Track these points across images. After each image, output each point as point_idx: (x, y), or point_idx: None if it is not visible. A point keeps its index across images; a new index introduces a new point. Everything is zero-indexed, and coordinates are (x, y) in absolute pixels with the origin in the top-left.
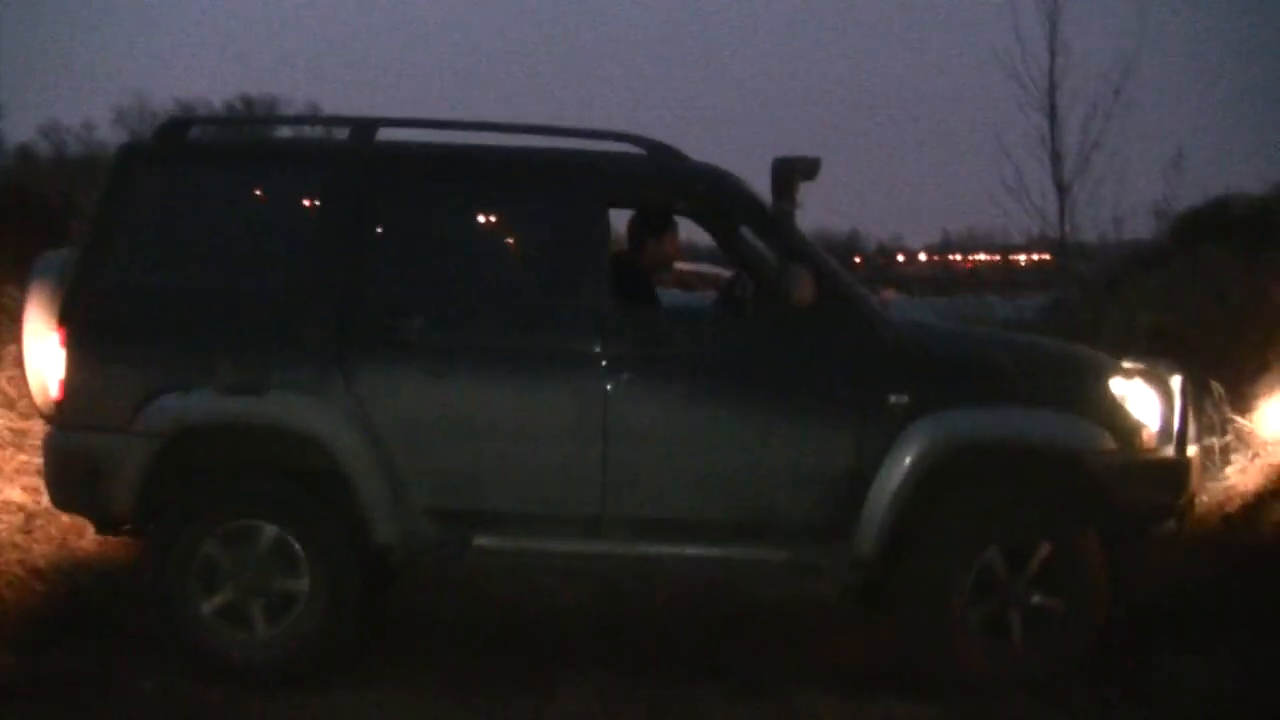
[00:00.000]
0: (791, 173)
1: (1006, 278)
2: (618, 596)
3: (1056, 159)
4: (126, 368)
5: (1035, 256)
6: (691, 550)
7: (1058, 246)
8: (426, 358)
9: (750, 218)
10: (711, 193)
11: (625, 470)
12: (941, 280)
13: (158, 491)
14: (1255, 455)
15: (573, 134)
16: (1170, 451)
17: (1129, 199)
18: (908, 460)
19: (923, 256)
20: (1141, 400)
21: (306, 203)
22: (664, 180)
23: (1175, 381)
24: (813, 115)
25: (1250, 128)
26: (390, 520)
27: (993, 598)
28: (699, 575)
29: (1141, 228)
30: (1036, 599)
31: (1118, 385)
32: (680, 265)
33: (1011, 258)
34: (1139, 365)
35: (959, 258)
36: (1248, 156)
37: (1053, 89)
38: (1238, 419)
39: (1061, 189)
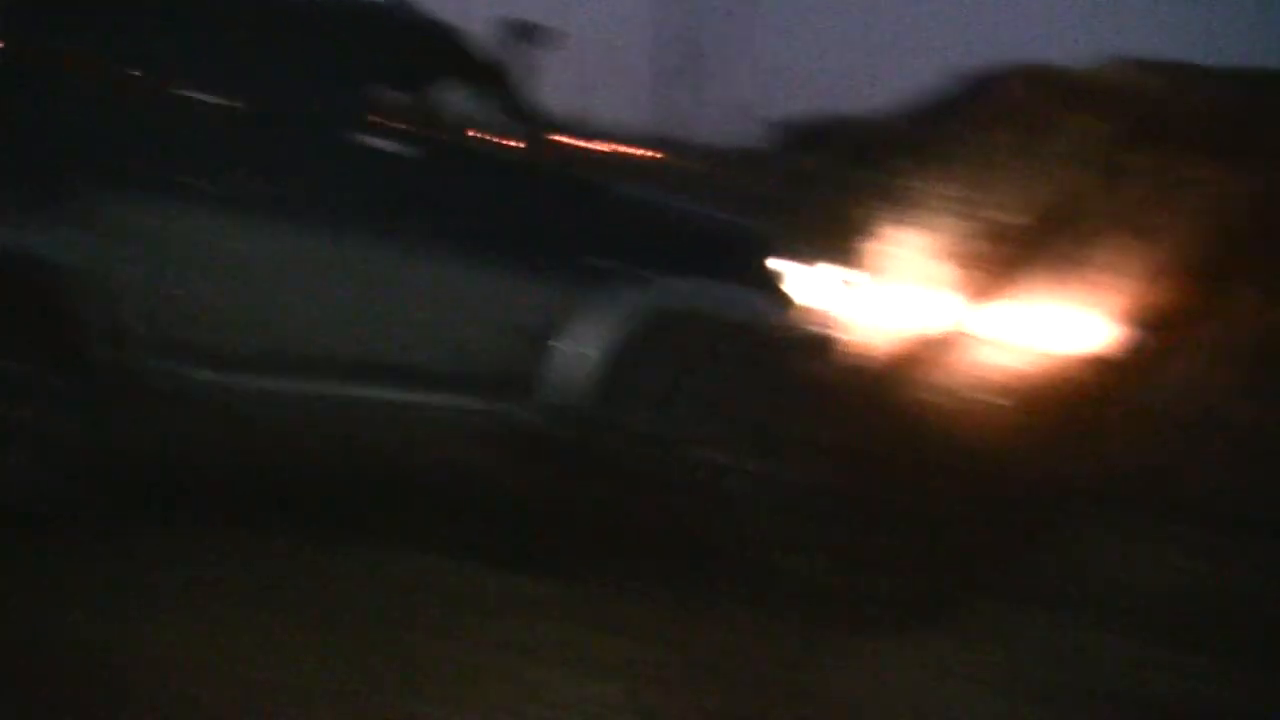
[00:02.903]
0: (523, 35)
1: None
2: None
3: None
4: None
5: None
6: (395, 395)
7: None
8: (150, 189)
9: (481, 73)
10: (444, 45)
11: (335, 311)
12: None
13: None
14: None
15: None
16: (838, 331)
17: (743, 103)
18: (611, 323)
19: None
20: (823, 282)
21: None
22: (396, 29)
23: (846, 272)
24: None
25: (840, 49)
26: (110, 352)
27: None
28: (400, 421)
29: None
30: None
31: (803, 266)
32: None
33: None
34: (817, 249)
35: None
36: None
37: None
38: None
39: (679, 85)
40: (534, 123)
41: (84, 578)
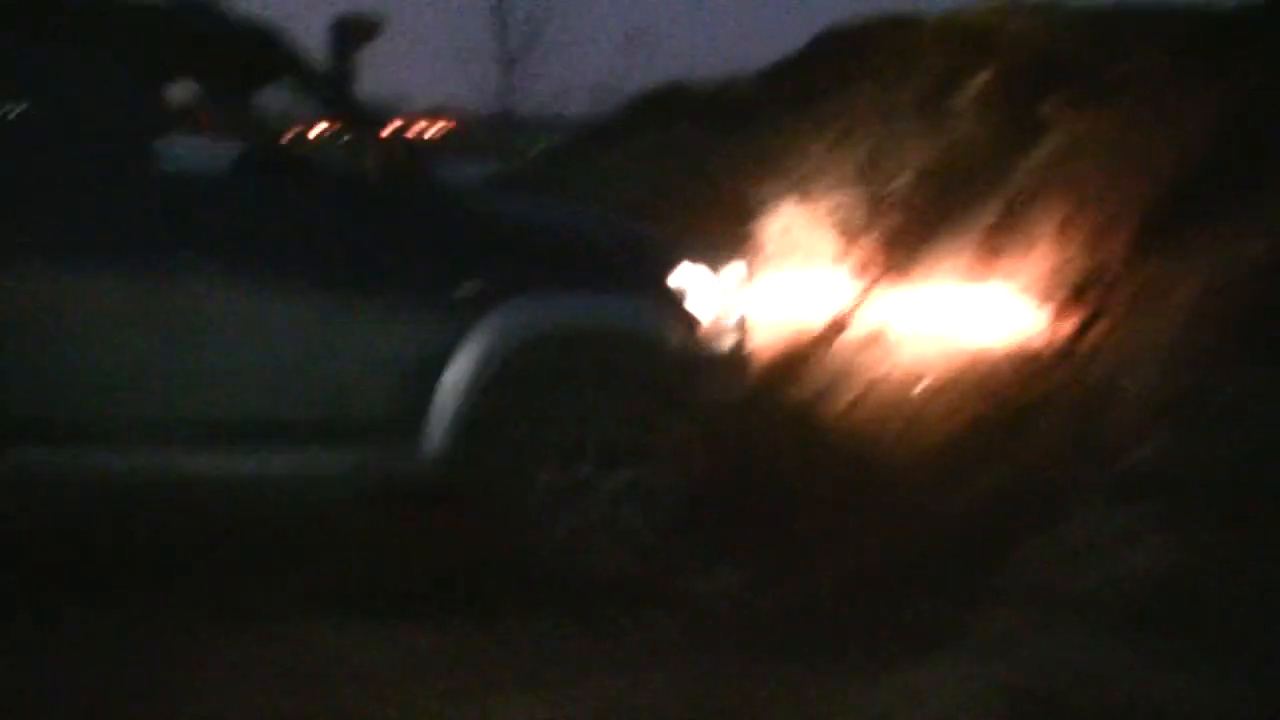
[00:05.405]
0: (352, 33)
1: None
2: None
3: (504, 29)
4: None
5: (439, 123)
6: (261, 457)
7: (500, 117)
8: None
9: (305, 79)
10: (259, 50)
11: (182, 366)
12: None
13: None
14: None
15: None
16: (737, 339)
17: (578, 75)
18: (484, 351)
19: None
20: (709, 286)
21: None
22: (206, 34)
23: (737, 267)
24: None
25: (705, 12)
26: None
27: (583, 495)
28: (270, 485)
29: (584, 104)
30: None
31: (687, 270)
32: None
33: (415, 123)
34: (702, 248)
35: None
36: (702, 41)
37: None
38: None
39: (508, 60)
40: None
41: None
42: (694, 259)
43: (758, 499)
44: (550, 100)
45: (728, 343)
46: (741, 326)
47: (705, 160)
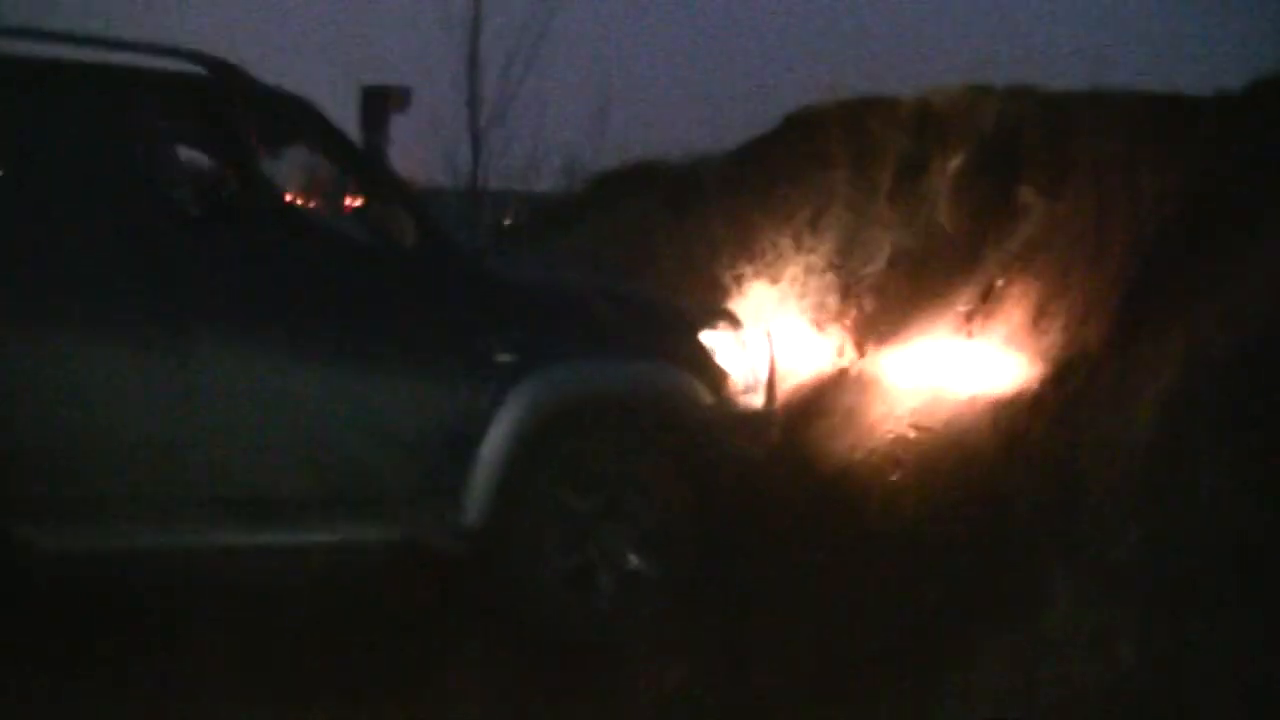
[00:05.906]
0: (383, 103)
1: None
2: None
3: (475, 104)
4: None
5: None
6: (286, 536)
7: (469, 194)
8: None
9: (336, 151)
10: (293, 120)
11: (201, 441)
12: None
13: None
14: None
15: (125, 48)
16: (760, 402)
17: (546, 151)
18: (517, 420)
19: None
20: (732, 351)
21: None
22: (234, 104)
23: (760, 331)
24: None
25: (672, 94)
26: None
27: (584, 556)
28: (295, 566)
29: (550, 182)
30: (633, 562)
31: (709, 336)
32: None
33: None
34: (724, 315)
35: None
36: (667, 123)
37: (476, 32)
38: None
39: (476, 136)
40: (409, 201)
41: None
42: (721, 325)
43: (718, 583)
44: (519, 175)
45: (753, 406)
46: (769, 389)
47: (674, 238)
